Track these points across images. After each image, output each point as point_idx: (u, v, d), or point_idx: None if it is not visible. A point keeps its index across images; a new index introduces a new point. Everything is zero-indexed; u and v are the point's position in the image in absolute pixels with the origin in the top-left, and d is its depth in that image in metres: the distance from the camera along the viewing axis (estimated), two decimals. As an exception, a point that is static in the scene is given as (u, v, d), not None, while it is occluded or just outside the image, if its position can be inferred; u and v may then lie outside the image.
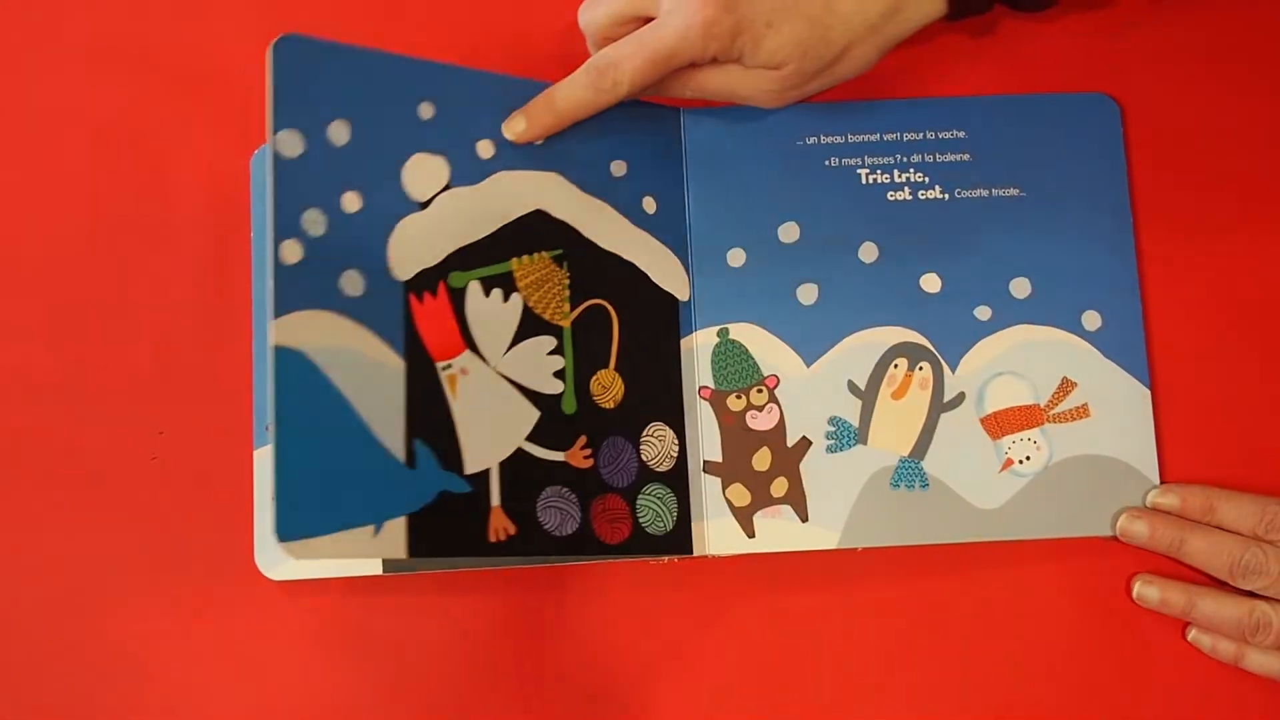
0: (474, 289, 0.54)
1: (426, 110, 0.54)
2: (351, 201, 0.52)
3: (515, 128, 0.55)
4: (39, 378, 0.58)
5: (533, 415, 0.54)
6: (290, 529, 0.47)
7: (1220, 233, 0.60)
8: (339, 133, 0.52)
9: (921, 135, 0.60)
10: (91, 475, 0.57)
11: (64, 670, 0.55)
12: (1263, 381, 0.59)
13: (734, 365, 0.57)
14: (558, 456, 0.54)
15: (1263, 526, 0.55)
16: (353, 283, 0.51)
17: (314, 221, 0.50)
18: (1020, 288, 0.58)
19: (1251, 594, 0.55)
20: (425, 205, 0.53)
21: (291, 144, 0.51)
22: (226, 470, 0.56)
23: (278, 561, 0.56)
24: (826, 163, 0.59)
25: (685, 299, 0.58)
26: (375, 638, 0.56)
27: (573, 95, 0.54)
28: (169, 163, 0.60)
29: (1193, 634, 0.56)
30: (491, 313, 0.54)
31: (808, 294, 0.58)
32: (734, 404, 0.57)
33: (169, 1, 0.62)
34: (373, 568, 0.54)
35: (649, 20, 0.54)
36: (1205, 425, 0.58)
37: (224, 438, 0.54)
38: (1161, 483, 0.57)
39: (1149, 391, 0.58)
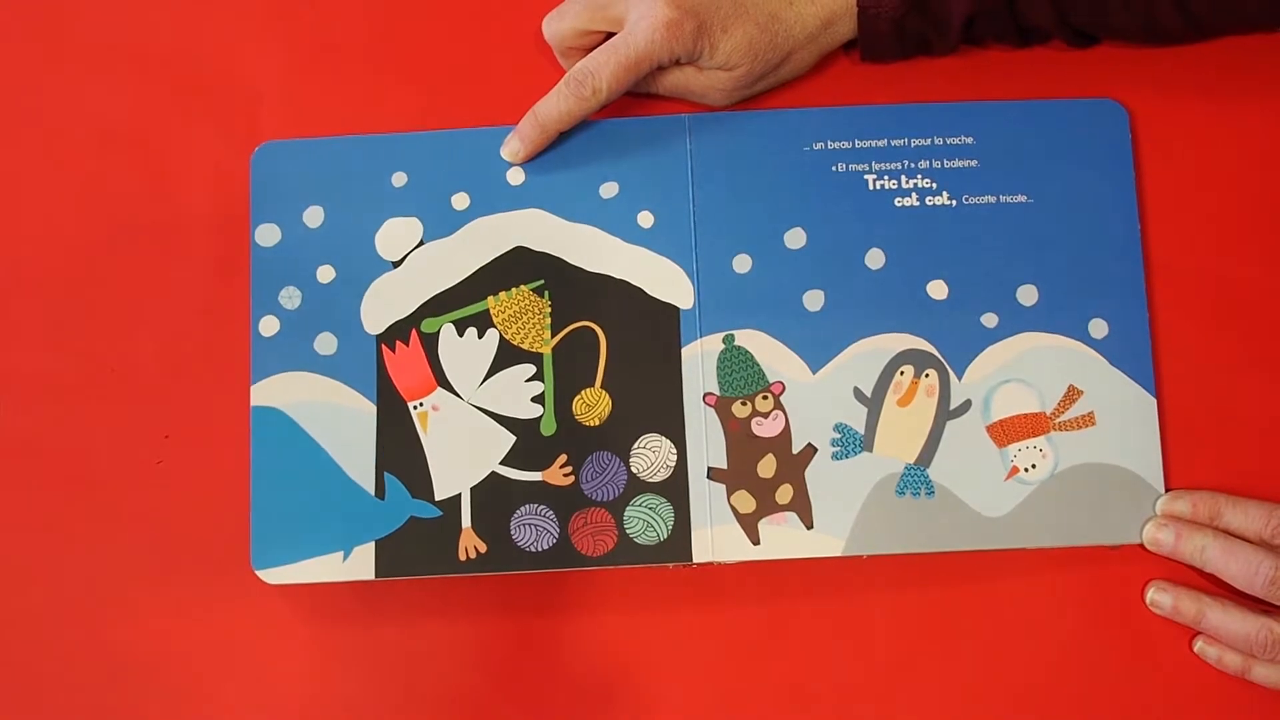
0: (447, 331, 0.58)
1: (399, 179, 0.59)
2: (325, 273, 0.58)
3: (511, 148, 0.58)
4: (44, 382, 0.58)
5: (508, 440, 0.57)
6: (264, 560, 0.56)
7: (1228, 241, 0.60)
8: (313, 217, 0.59)
9: (929, 141, 0.60)
10: (96, 479, 0.57)
11: (66, 671, 0.55)
12: (1269, 390, 0.59)
13: (739, 372, 0.57)
14: (534, 476, 0.56)
15: (1269, 531, 0.55)
16: (326, 343, 0.58)
17: (290, 297, 0.58)
18: (1027, 295, 0.58)
19: (1265, 610, 0.55)
20: (399, 264, 0.58)
21: (269, 235, 0.58)
22: (230, 475, 0.56)
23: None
24: (834, 168, 0.59)
25: (688, 307, 0.58)
26: (372, 642, 0.56)
27: (557, 107, 0.57)
28: (174, 165, 0.60)
29: (1199, 645, 0.56)
30: (465, 351, 0.58)
31: (814, 300, 0.58)
32: (739, 410, 0.57)
33: (174, 4, 0.62)
34: (366, 573, 0.55)
35: (611, 32, 0.58)
36: (1211, 433, 0.58)
37: (228, 442, 0.53)
38: (1165, 491, 0.57)
39: (1155, 400, 0.57)
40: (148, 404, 0.58)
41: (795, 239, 0.58)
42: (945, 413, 0.57)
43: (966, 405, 0.57)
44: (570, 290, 0.58)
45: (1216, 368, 0.59)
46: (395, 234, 0.58)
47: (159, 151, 0.60)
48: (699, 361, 0.57)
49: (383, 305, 0.58)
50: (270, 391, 0.57)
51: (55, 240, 0.59)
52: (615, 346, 0.57)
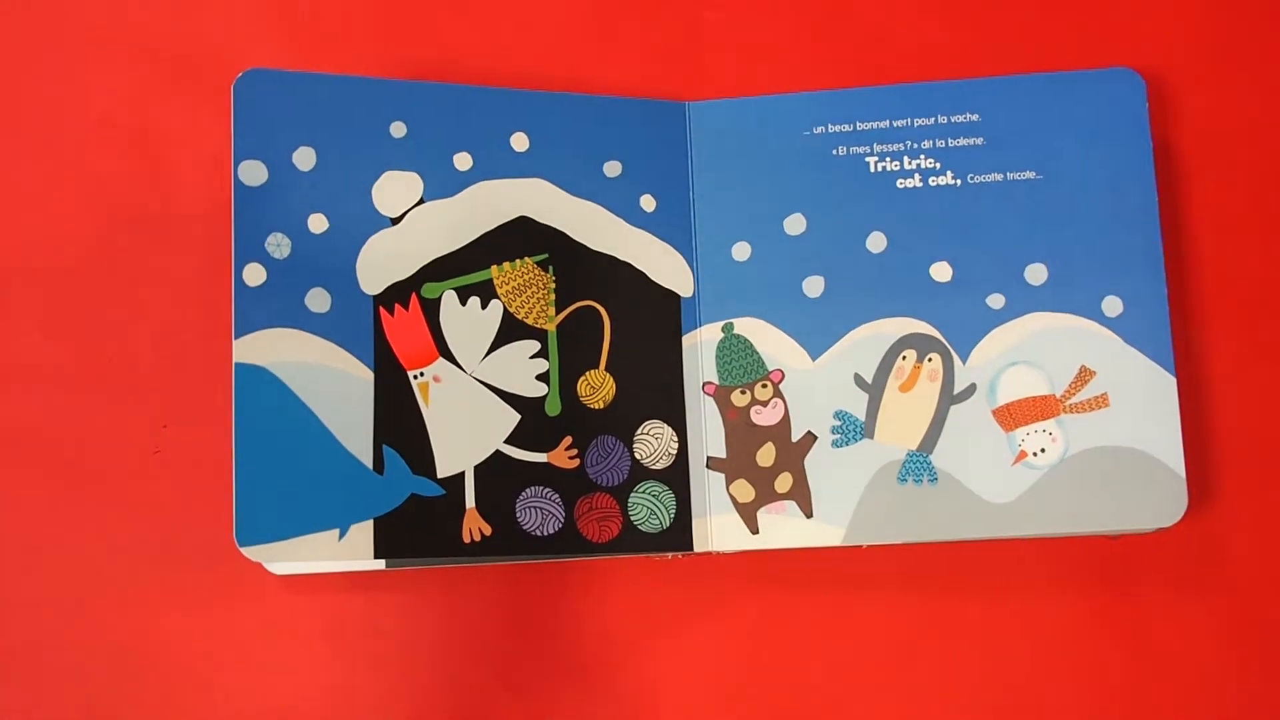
0: (449, 298, 0.56)
1: (398, 129, 0.56)
2: (318, 223, 0.55)
3: None
4: (41, 370, 0.58)
5: (512, 418, 0.55)
6: (249, 535, 0.52)
7: (1251, 213, 0.57)
8: (304, 158, 0.55)
9: (933, 120, 0.58)
10: (94, 468, 0.57)
11: (65, 663, 0.56)
12: (1297, 367, 0.56)
13: (738, 360, 0.57)
14: (539, 458, 0.55)
15: None
16: (319, 300, 0.54)
17: (277, 244, 0.54)
18: (1036, 274, 0.56)
19: None
20: (397, 221, 0.56)
21: (254, 173, 0.54)
22: (229, 465, 0.53)
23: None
24: (834, 152, 0.58)
25: (688, 295, 0.57)
26: (377, 632, 0.57)
27: None
28: (172, 155, 0.60)
29: None
30: (468, 320, 0.55)
31: (814, 286, 0.57)
32: (738, 399, 0.57)
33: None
34: (375, 563, 0.55)
35: None
36: (1235, 414, 0.56)
37: (227, 431, 0.52)
38: (1185, 474, 0.54)
39: (1174, 379, 0.55)
40: (145, 393, 0.58)
41: (795, 225, 0.58)
42: (949, 397, 0.56)
43: (971, 389, 0.56)
44: (574, 267, 0.57)
45: (1240, 345, 0.56)
46: (394, 188, 0.56)
47: (157, 141, 0.60)
48: (698, 350, 0.57)
49: (380, 264, 0.55)
50: (255, 348, 0.53)
51: (53, 229, 0.59)
52: (619, 329, 0.57)
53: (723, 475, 0.56)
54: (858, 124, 0.58)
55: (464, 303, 0.56)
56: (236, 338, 0.53)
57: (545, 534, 0.55)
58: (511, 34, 0.62)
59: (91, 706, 0.56)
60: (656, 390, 0.57)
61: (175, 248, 0.60)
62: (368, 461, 0.54)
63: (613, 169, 0.58)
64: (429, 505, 0.54)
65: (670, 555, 0.56)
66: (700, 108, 0.59)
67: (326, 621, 0.57)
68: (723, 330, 0.57)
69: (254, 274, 0.54)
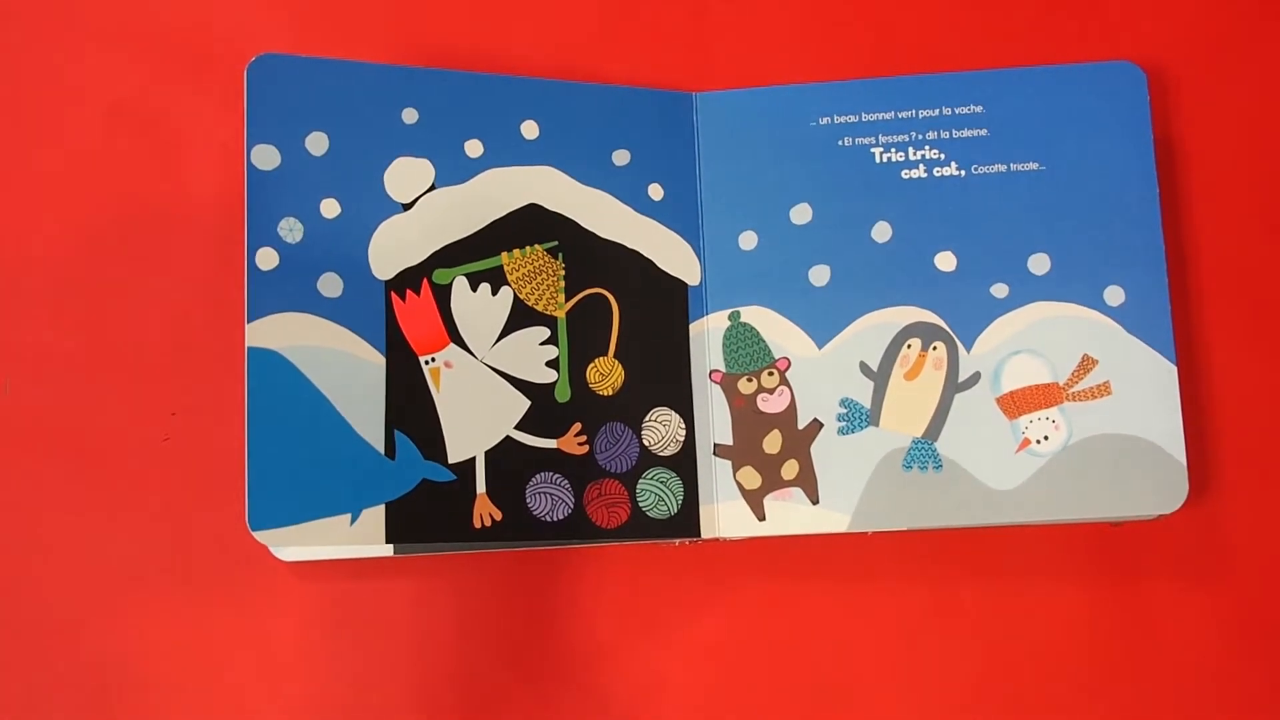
0: (460, 284, 0.56)
1: (410, 115, 0.56)
2: (330, 208, 0.55)
3: None
4: (51, 358, 0.58)
5: (522, 404, 0.56)
6: (261, 519, 0.52)
7: (1250, 204, 0.58)
8: (317, 143, 0.55)
9: (937, 111, 0.59)
10: (103, 456, 0.57)
11: (74, 649, 0.56)
12: (1296, 356, 0.57)
13: (745, 348, 0.57)
14: (549, 444, 0.56)
15: None
16: (331, 285, 0.54)
17: (290, 229, 0.54)
18: (1039, 264, 0.57)
19: None
20: (409, 207, 0.56)
21: (267, 157, 0.55)
22: (239, 452, 0.53)
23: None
24: (840, 143, 0.59)
25: (695, 283, 0.58)
26: (386, 619, 0.57)
27: None
28: (183, 144, 0.60)
29: None
30: (479, 307, 0.56)
31: (820, 275, 0.58)
32: (745, 387, 0.57)
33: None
34: (384, 549, 0.55)
35: None
36: (1235, 401, 0.57)
37: (237, 419, 0.52)
38: (1186, 462, 0.55)
39: (1175, 367, 0.56)
40: (155, 380, 0.58)
41: (801, 214, 0.58)
42: (954, 385, 0.57)
43: (976, 377, 0.57)
44: (583, 255, 0.57)
45: (1240, 334, 0.57)
46: (406, 174, 0.56)
47: (168, 130, 0.60)
48: (705, 338, 0.58)
49: (392, 249, 0.55)
50: (268, 332, 0.53)
51: (64, 218, 0.59)
52: (627, 316, 0.57)
53: (729, 462, 0.57)
54: (863, 115, 0.59)
55: (475, 289, 0.56)
56: (249, 321, 0.53)
57: (555, 520, 0.55)
58: (523, 23, 0.62)
59: (100, 692, 0.56)
60: (664, 377, 0.57)
61: (186, 233, 0.60)
62: (379, 446, 0.54)
63: (621, 158, 0.58)
64: (440, 490, 0.54)
65: (678, 541, 0.57)
66: (708, 98, 0.60)
67: (335, 608, 0.57)
68: (729, 318, 0.58)
69: (266, 258, 0.54)
